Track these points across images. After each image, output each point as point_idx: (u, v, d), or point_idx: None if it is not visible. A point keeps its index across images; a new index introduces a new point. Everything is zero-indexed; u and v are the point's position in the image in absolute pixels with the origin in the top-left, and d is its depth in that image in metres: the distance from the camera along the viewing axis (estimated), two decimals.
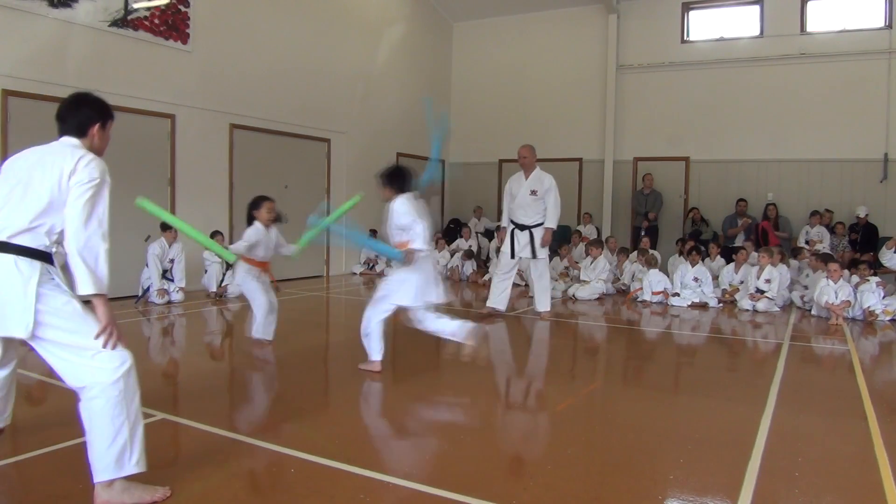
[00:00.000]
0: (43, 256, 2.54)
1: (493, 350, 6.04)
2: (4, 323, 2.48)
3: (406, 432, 3.47)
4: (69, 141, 2.70)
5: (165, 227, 7.93)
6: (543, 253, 7.09)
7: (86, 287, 2.48)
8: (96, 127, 2.76)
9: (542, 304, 7.20)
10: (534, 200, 7.02)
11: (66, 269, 2.58)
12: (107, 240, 2.57)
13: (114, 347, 2.52)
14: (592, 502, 2.64)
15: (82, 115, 2.74)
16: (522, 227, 7.06)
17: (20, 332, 2.47)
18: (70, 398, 3.96)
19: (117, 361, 2.51)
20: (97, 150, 2.76)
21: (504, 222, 7.29)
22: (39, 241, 2.53)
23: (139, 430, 2.58)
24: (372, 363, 4.73)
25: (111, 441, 2.50)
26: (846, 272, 7.87)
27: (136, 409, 2.58)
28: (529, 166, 7.10)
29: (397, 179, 4.75)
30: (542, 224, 7.06)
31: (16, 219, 2.53)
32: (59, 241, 2.58)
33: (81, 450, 3.04)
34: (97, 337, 2.50)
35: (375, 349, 4.76)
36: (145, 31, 8.16)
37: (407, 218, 4.60)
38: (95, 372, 2.49)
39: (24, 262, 2.50)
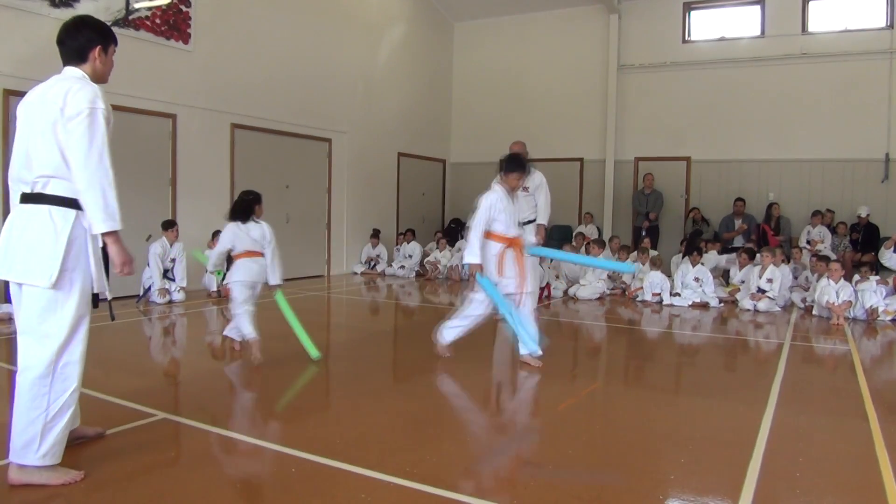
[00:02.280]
0: (77, 204, 2.53)
1: (493, 349, 6.04)
2: (30, 271, 2.48)
3: (406, 432, 3.47)
4: (69, 72, 2.64)
5: (167, 226, 7.94)
6: (532, 250, 7.04)
7: (98, 226, 2.47)
8: (97, 50, 2.69)
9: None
10: (525, 197, 7.02)
11: None
12: (110, 172, 2.50)
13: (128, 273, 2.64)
14: (592, 502, 2.64)
15: (82, 37, 2.67)
16: None
17: (43, 282, 2.46)
18: None
19: (61, 356, 2.53)
20: (100, 75, 2.71)
21: None
22: (72, 189, 2.51)
23: (58, 424, 2.56)
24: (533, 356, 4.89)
25: (28, 423, 2.52)
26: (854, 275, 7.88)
27: (63, 403, 2.56)
28: None
29: (517, 161, 4.97)
30: (533, 221, 7.06)
31: (42, 167, 2.51)
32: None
33: (80, 450, 3.05)
34: (118, 270, 2.59)
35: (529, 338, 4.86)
36: (147, 31, 8.17)
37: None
38: (37, 353, 2.50)
39: (58, 212, 2.50)
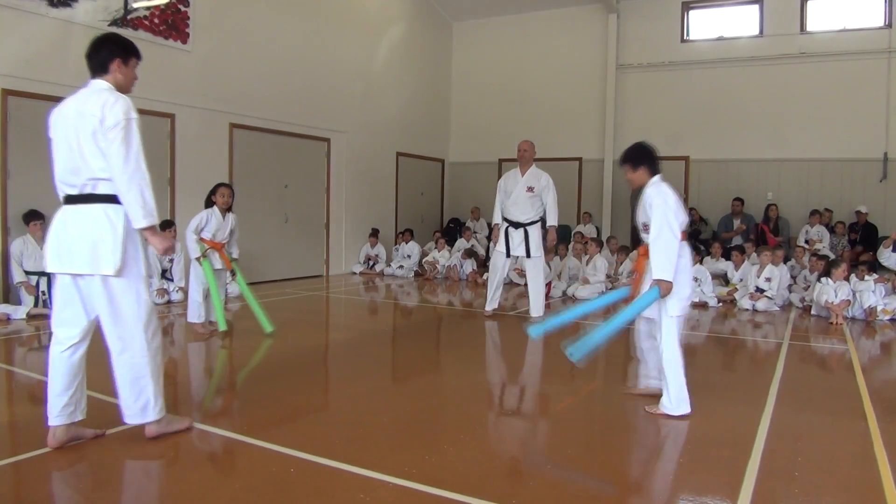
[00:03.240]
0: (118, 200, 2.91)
1: (492, 350, 6.04)
2: (97, 262, 2.85)
3: (406, 432, 3.47)
4: (97, 85, 2.98)
5: (164, 226, 7.92)
6: (538, 252, 7.01)
7: (139, 222, 2.86)
8: (117, 62, 3.01)
9: (535, 307, 7.06)
10: (530, 197, 6.98)
11: None
12: (146, 174, 2.90)
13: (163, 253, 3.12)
14: (592, 502, 2.64)
15: (104, 52, 3.00)
16: (517, 225, 6.99)
17: (109, 270, 2.86)
18: None
19: (153, 325, 3.05)
20: (123, 86, 3.04)
21: (497, 220, 7.19)
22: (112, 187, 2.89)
23: (160, 382, 3.11)
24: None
25: (139, 392, 3.03)
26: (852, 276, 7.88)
27: (159, 365, 3.10)
28: (528, 161, 7.05)
29: (644, 156, 3.94)
30: (536, 222, 7.02)
31: (90, 171, 2.86)
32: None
33: (81, 450, 3.05)
34: (161, 254, 3.11)
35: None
36: (145, 31, 8.16)
37: (661, 209, 3.67)
38: (132, 334, 2.97)
39: (111, 209, 2.90)
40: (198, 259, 5.68)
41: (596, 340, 3.83)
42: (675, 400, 3.71)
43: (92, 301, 2.98)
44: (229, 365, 5.34)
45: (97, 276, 2.90)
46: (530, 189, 6.96)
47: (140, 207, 2.84)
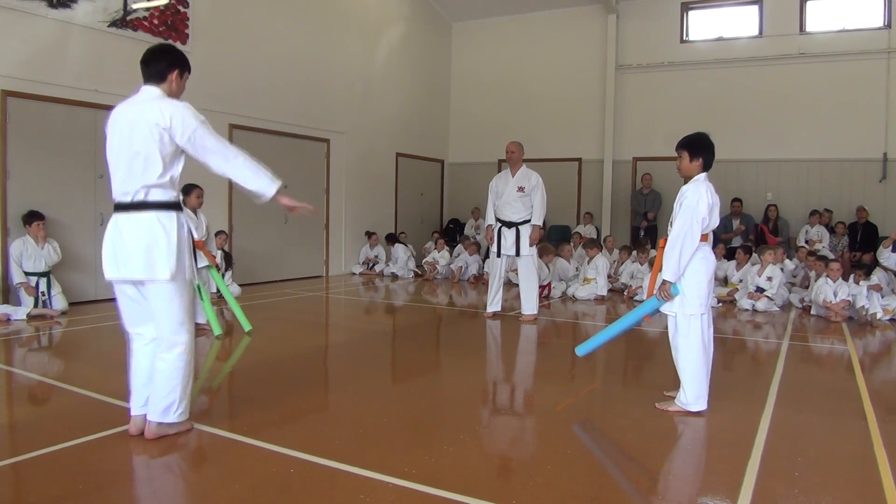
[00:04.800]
0: (176, 206, 3.04)
1: (492, 350, 6.04)
2: (153, 268, 2.94)
3: (406, 432, 3.47)
4: (151, 92, 3.09)
5: None
6: (528, 251, 7.04)
7: (269, 189, 3.03)
8: (175, 73, 3.17)
9: (527, 306, 7.06)
10: (521, 197, 7.03)
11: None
12: (237, 148, 3.12)
13: (311, 213, 3.33)
14: (592, 502, 2.64)
15: (164, 62, 3.14)
16: (510, 225, 7.04)
17: (164, 276, 2.94)
18: (71, 399, 3.97)
19: (189, 334, 3.13)
20: (174, 95, 3.17)
21: (490, 221, 7.22)
22: (169, 195, 3.01)
23: (189, 387, 3.22)
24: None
25: (169, 391, 3.11)
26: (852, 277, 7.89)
27: (191, 370, 3.21)
28: (517, 162, 7.11)
29: (706, 150, 3.79)
30: (528, 221, 7.05)
31: (142, 179, 2.94)
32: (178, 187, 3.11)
33: (81, 450, 3.05)
34: (295, 211, 3.23)
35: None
36: (144, 32, 8.16)
37: (689, 210, 3.63)
38: (178, 337, 3.07)
39: (164, 215, 2.98)
40: None
41: (601, 340, 4.13)
42: (692, 396, 3.74)
43: (149, 302, 3.10)
44: (228, 365, 5.34)
45: (154, 281, 3.00)
46: (521, 189, 7.02)
47: (263, 179, 3.02)
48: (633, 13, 12.50)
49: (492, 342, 6.36)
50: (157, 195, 2.99)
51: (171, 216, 3.01)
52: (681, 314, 3.76)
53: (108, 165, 3.13)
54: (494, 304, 7.27)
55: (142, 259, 2.95)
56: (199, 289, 5.82)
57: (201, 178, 9.00)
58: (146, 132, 2.93)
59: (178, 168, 3.06)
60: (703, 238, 3.75)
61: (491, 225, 7.20)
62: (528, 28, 13.45)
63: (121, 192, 3.03)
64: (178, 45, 8.57)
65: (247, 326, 6.05)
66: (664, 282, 3.73)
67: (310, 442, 3.21)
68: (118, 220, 3.04)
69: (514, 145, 7.19)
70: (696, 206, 3.64)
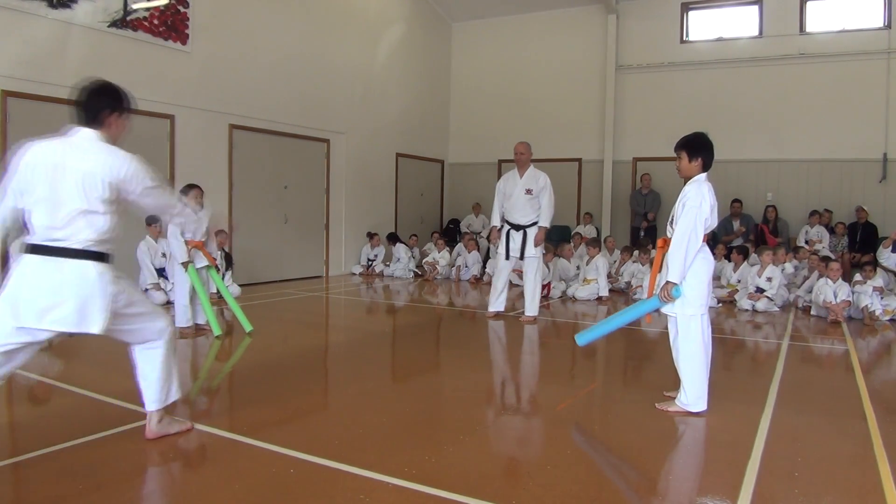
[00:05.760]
0: (109, 258, 2.85)
1: (492, 350, 6.04)
2: (84, 321, 2.73)
3: (406, 432, 3.47)
4: (88, 135, 2.80)
5: (150, 221, 7.88)
6: (534, 252, 6.99)
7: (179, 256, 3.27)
8: (113, 116, 2.85)
9: (531, 307, 7.02)
10: (529, 199, 6.94)
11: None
12: (177, 195, 3.16)
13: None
14: (592, 503, 2.64)
15: (100, 103, 2.82)
16: (518, 227, 6.98)
17: (96, 329, 2.76)
18: (71, 399, 3.97)
19: (167, 319, 3.15)
20: (114, 139, 2.87)
21: (496, 222, 7.15)
22: (106, 246, 2.83)
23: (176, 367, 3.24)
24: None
25: (165, 378, 3.13)
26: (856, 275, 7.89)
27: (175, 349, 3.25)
28: (525, 163, 7.01)
29: (705, 150, 3.78)
30: (536, 223, 6.99)
31: (83, 228, 2.73)
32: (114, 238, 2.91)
33: (81, 450, 3.05)
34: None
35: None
36: (144, 32, 8.16)
37: (693, 210, 3.63)
38: (155, 329, 3.06)
39: (100, 266, 2.78)
40: (184, 264, 5.77)
41: (601, 331, 4.24)
42: (693, 397, 3.74)
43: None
44: (229, 366, 5.35)
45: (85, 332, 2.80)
46: (529, 191, 6.92)
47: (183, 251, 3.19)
48: (633, 13, 12.50)
49: (492, 342, 6.36)
50: (97, 246, 2.77)
51: (105, 269, 2.80)
52: (681, 315, 3.76)
53: (10, 195, 2.79)
54: (498, 304, 7.24)
55: (74, 311, 2.69)
56: (198, 289, 5.84)
57: (201, 178, 9.03)
58: (81, 180, 2.67)
59: (115, 219, 2.82)
60: (705, 238, 3.76)
61: (496, 227, 7.13)
62: (528, 28, 13.44)
63: (47, 234, 2.72)
64: (179, 44, 8.58)
65: (248, 327, 6.05)
66: (667, 282, 3.73)
67: (310, 442, 3.21)
68: (35, 263, 2.71)
69: (523, 146, 7.05)
70: (699, 206, 3.64)
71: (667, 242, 3.82)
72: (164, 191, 2.97)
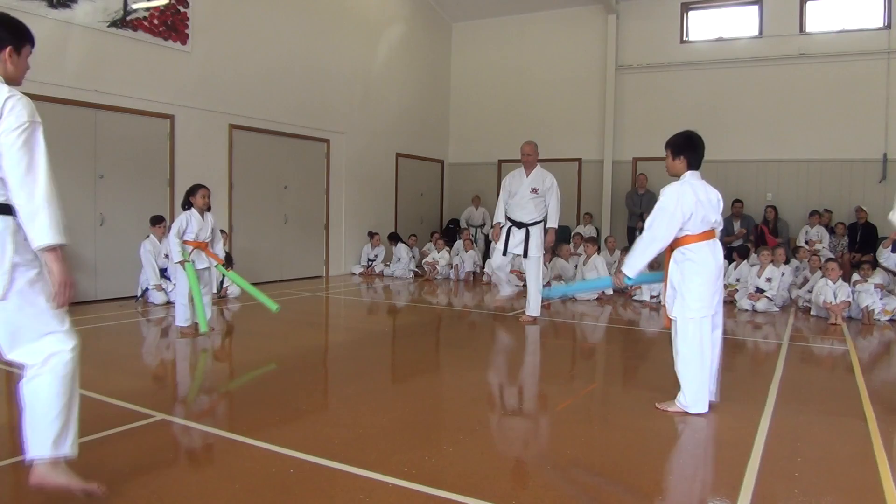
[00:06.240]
0: (8, 210, 2.34)
1: (492, 350, 6.04)
2: None
3: (406, 432, 3.47)
4: None
5: (154, 221, 7.89)
6: (537, 252, 7.00)
7: (43, 237, 2.27)
8: (7, 50, 2.48)
9: (533, 308, 7.00)
10: (534, 198, 6.95)
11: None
12: (52, 184, 2.32)
13: (61, 306, 2.38)
14: (592, 502, 2.64)
15: None
16: (520, 225, 6.97)
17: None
18: None
19: (69, 342, 2.42)
20: (12, 78, 2.49)
21: (499, 218, 7.13)
22: (1, 194, 2.33)
23: (75, 414, 2.50)
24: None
25: (53, 419, 2.42)
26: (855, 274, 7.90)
27: (76, 393, 2.50)
28: (532, 163, 6.99)
29: (690, 147, 3.80)
30: (539, 223, 6.99)
31: None
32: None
33: (81, 450, 3.04)
34: (53, 300, 2.36)
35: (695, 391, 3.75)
36: (144, 32, 8.16)
37: (656, 209, 3.67)
38: (48, 350, 2.39)
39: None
40: (180, 263, 5.76)
41: (563, 293, 5.32)
42: (692, 399, 3.73)
43: None
44: (229, 366, 5.35)
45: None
46: (534, 190, 6.93)
47: (43, 224, 2.27)
48: (633, 13, 12.50)
49: (492, 343, 6.36)
50: None
51: (5, 222, 2.34)
52: (680, 317, 3.74)
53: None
54: (508, 287, 7.32)
55: None
56: (193, 289, 5.81)
57: (201, 178, 9.03)
58: None
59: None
60: (705, 236, 3.72)
61: (500, 223, 7.12)
62: (528, 28, 13.45)
63: None
64: (179, 44, 8.58)
65: (273, 307, 5.76)
66: (619, 271, 3.84)
67: (310, 442, 3.21)
68: None
69: (530, 147, 7.04)
70: (668, 207, 3.64)
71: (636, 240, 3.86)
72: (27, 151, 2.29)
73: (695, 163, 3.81)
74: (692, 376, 3.72)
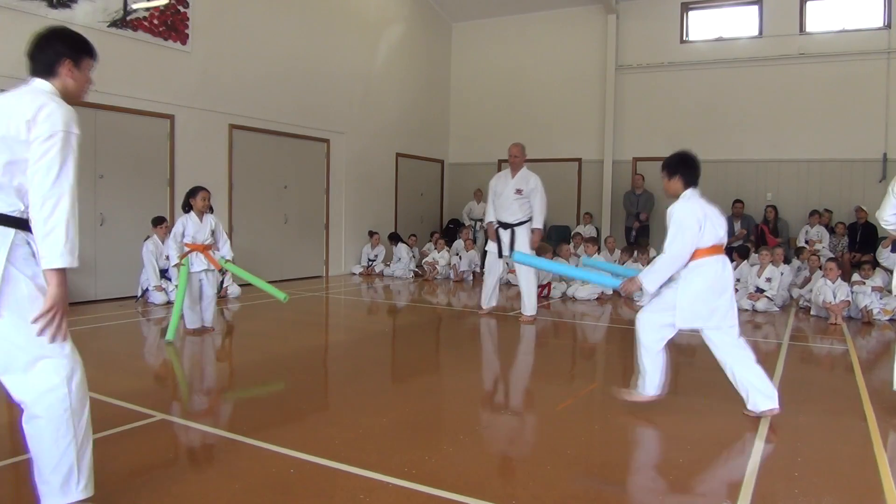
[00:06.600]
0: (16, 223, 2.18)
1: (492, 350, 6.04)
2: None
3: (406, 432, 3.47)
4: (38, 85, 2.36)
5: (157, 222, 7.90)
6: (525, 251, 7.00)
7: (53, 260, 2.10)
8: (67, 64, 2.36)
9: (528, 307, 7.04)
10: (518, 199, 7.02)
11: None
12: (76, 205, 2.17)
13: (52, 339, 2.14)
14: (592, 502, 2.64)
15: (51, 51, 2.37)
16: (506, 226, 7.04)
17: None
18: None
19: (65, 374, 2.19)
20: (72, 93, 2.39)
21: (491, 218, 7.21)
22: (12, 205, 2.18)
23: (87, 450, 2.29)
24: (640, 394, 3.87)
25: (56, 463, 2.23)
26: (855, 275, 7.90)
27: (86, 426, 2.27)
28: (519, 165, 7.08)
29: (685, 167, 3.85)
30: (524, 223, 7.03)
31: None
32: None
33: None
34: (35, 321, 2.11)
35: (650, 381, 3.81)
36: (144, 32, 8.16)
37: (674, 227, 3.67)
38: (39, 386, 2.17)
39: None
40: (176, 265, 5.78)
41: (540, 265, 5.33)
42: (643, 382, 3.81)
43: None
44: (229, 366, 5.35)
45: None
46: (519, 191, 7.00)
47: (61, 243, 2.10)
48: (633, 13, 12.50)
49: (491, 343, 6.36)
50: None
51: (4, 234, 2.16)
52: (670, 318, 3.77)
53: None
54: (490, 299, 7.33)
55: None
56: (178, 291, 5.79)
57: (201, 178, 9.03)
58: (11, 121, 2.17)
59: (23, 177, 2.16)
60: (714, 250, 3.71)
61: (492, 222, 7.18)
62: (528, 28, 13.45)
63: None
64: (179, 44, 8.58)
65: (281, 296, 5.53)
66: (636, 280, 3.81)
67: (310, 442, 3.21)
68: None
69: (517, 149, 7.12)
70: (684, 222, 3.65)
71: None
72: (59, 162, 2.13)
73: (692, 180, 3.86)
74: (647, 362, 3.78)
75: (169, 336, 5.66)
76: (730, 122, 11.58)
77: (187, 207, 5.87)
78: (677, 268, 3.68)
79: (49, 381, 2.18)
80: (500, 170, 13.28)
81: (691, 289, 3.67)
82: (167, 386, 4.70)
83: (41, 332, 2.11)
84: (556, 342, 6.36)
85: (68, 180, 2.15)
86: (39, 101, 2.21)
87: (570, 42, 13.06)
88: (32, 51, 2.41)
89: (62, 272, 2.14)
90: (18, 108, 2.19)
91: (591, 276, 4.31)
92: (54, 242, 2.10)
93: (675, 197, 3.85)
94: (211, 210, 6.00)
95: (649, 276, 3.73)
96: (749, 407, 3.70)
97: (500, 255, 7.09)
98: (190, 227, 5.80)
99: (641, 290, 3.84)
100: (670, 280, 3.77)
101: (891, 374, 4.14)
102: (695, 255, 3.70)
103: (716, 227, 3.73)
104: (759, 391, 3.65)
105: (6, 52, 6.92)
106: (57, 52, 2.36)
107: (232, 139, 9.46)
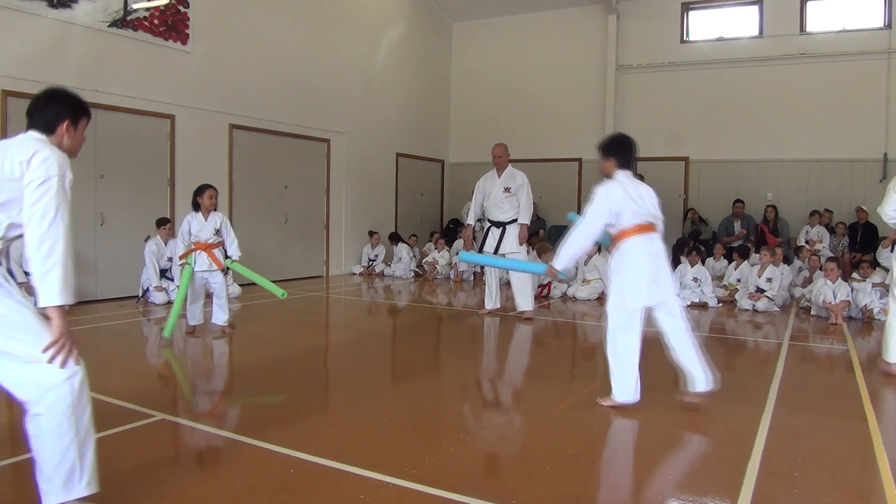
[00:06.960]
0: None
1: (492, 350, 6.04)
2: None
3: (405, 432, 3.47)
4: (34, 134, 2.46)
5: (160, 223, 7.92)
6: (514, 248, 7.07)
7: (52, 298, 2.22)
8: (65, 124, 2.49)
9: (522, 303, 7.09)
10: (507, 197, 7.20)
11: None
12: (70, 245, 2.28)
13: (63, 365, 2.25)
14: (592, 502, 2.64)
15: (51, 111, 2.49)
16: (498, 224, 7.17)
17: None
18: None
19: (66, 373, 2.26)
20: (68, 151, 2.50)
21: (471, 220, 7.39)
22: None
23: (90, 447, 2.36)
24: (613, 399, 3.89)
25: (59, 461, 2.29)
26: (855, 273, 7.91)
27: (87, 425, 2.35)
28: (503, 164, 7.31)
29: (618, 149, 3.96)
30: (515, 220, 7.16)
31: None
32: (7, 238, 2.34)
33: None
34: (45, 350, 2.23)
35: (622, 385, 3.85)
36: (145, 32, 8.16)
37: (589, 207, 3.81)
38: (41, 385, 2.25)
39: None
40: (180, 264, 5.83)
41: (482, 261, 5.81)
42: (620, 390, 3.85)
43: None
44: (230, 366, 5.35)
45: None
46: (507, 189, 7.21)
47: (54, 283, 2.20)
48: (633, 13, 12.50)
49: (491, 342, 6.36)
50: None
51: None
52: (612, 310, 3.95)
53: None
54: (491, 300, 7.38)
55: None
56: (179, 291, 5.84)
57: (201, 178, 9.03)
58: (6, 164, 2.28)
59: (11, 215, 2.31)
60: (639, 230, 3.82)
61: (471, 224, 7.35)
62: (528, 28, 13.45)
63: None
64: (179, 44, 8.58)
65: (280, 293, 5.61)
66: (550, 266, 3.99)
67: (310, 442, 3.21)
68: None
69: (501, 149, 7.39)
70: (598, 202, 3.79)
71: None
72: (54, 205, 2.24)
73: (624, 162, 3.98)
74: (617, 366, 3.87)
75: (166, 333, 5.69)
76: (730, 122, 11.58)
77: (196, 205, 5.92)
78: (584, 244, 3.92)
79: (51, 379, 2.25)
80: None
81: (626, 270, 3.83)
82: (168, 386, 4.70)
83: (52, 360, 2.23)
84: (556, 342, 6.36)
85: (63, 222, 2.27)
86: (35, 146, 2.35)
87: (571, 42, 13.06)
88: (33, 109, 2.54)
89: (59, 308, 2.25)
90: (15, 151, 2.33)
91: (526, 265, 4.89)
92: (53, 282, 2.22)
93: (608, 177, 3.98)
94: (215, 208, 6.01)
95: (559, 255, 3.92)
96: (687, 387, 3.91)
97: (496, 252, 7.15)
98: (194, 224, 5.85)
99: (557, 273, 4.01)
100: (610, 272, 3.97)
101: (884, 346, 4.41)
102: (621, 235, 3.85)
103: (643, 207, 3.86)
104: (695, 376, 3.87)
105: (6, 52, 6.92)
106: (57, 112, 2.50)
107: (232, 139, 9.47)
